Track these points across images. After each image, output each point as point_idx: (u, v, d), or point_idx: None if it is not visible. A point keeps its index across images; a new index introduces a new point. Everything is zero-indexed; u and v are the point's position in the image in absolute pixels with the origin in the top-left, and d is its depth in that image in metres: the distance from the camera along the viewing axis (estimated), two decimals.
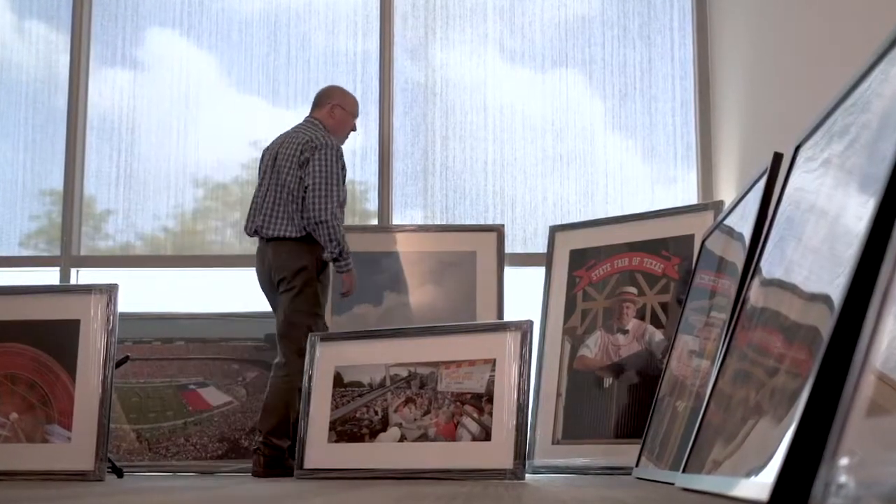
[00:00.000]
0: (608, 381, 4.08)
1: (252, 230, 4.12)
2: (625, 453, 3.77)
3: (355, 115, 4.29)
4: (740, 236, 2.69)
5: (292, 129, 4.18)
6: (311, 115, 4.25)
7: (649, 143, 5.16)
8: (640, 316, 4.08)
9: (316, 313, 3.95)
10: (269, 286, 4.08)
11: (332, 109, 4.19)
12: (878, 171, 1.34)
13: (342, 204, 4.04)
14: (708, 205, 4.18)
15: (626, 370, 4.05)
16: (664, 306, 4.03)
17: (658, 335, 4.00)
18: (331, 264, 4.00)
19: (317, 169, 3.94)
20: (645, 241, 4.16)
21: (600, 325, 4.17)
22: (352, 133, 4.29)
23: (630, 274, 4.16)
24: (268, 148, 4.22)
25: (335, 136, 4.14)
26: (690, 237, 4.05)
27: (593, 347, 4.16)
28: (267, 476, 3.74)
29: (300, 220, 3.97)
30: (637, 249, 4.18)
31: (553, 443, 4.10)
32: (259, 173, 4.23)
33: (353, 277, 4.04)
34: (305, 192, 3.95)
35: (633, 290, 4.12)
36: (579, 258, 4.33)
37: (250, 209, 4.18)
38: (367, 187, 5.27)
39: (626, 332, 4.09)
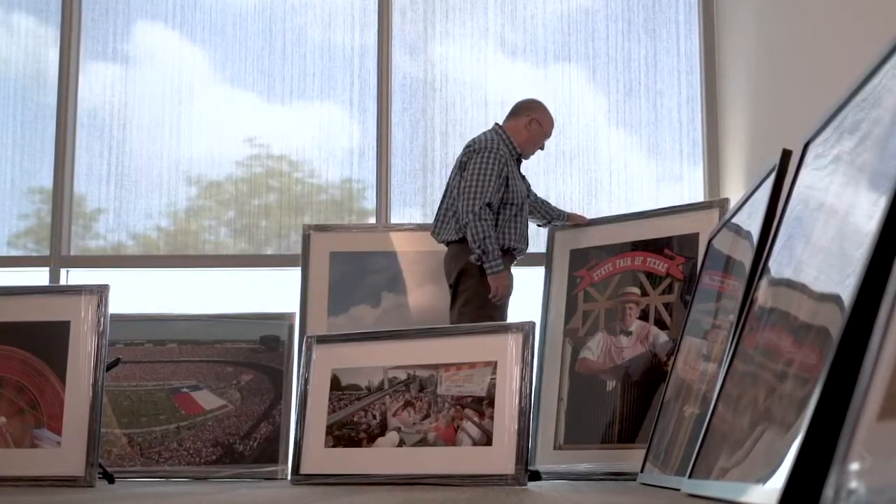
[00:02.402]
0: (611, 385, 4.08)
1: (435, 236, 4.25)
2: (629, 458, 3.77)
3: (549, 134, 4.33)
4: (748, 235, 2.69)
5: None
6: (502, 123, 4.28)
7: (654, 139, 5.16)
8: (644, 317, 4.07)
9: (484, 315, 3.92)
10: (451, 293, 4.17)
11: (530, 123, 4.23)
12: (889, 168, 1.34)
13: (519, 206, 4.09)
14: (713, 202, 4.18)
15: (629, 373, 4.04)
16: (668, 307, 4.02)
17: (662, 337, 4.00)
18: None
19: (469, 171, 4.04)
20: (648, 240, 4.15)
21: (602, 326, 4.16)
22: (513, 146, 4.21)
23: (633, 274, 4.15)
24: None
25: (522, 149, 4.21)
26: (695, 236, 4.04)
27: (595, 350, 4.15)
28: None
29: (449, 228, 4.12)
30: (640, 249, 4.17)
31: (555, 448, 4.10)
32: None
33: (501, 280, 3.96)
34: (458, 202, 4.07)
35: (636, 290, 4.12)
36: (580, 258, 4.32)
37: None
38: (365, 185, 5.27)
39: (629, 333, 4.08)
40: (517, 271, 4.24)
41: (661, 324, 4.03)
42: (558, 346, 4.22)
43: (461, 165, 4.14)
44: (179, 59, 5.43)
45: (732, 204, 3.47)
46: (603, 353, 4.12)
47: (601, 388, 4.10)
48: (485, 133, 4.22)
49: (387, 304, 4.58)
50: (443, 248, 4.26)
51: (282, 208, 5.31)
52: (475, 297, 3.99)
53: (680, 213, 4.17)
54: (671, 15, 5.21)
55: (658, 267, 4.09)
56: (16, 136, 5.40)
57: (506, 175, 4.09)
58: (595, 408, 4.09)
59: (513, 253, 4.13)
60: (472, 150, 4.10)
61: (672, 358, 3.91)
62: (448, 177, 4.29)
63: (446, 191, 4.26)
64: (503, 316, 4.05)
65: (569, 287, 4.31)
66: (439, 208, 4.25)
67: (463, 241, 4.07)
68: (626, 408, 4.01)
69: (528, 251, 4.62)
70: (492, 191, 4.01)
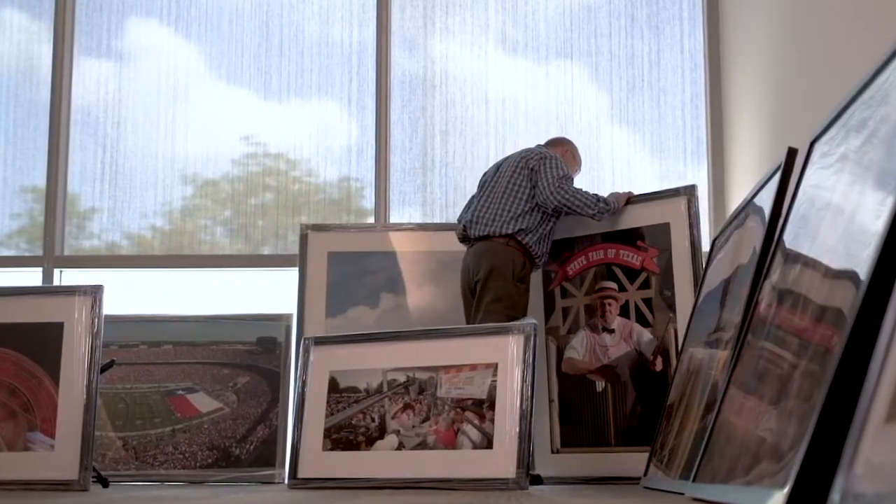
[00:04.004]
0: (601, 385, 4.07)
1: (461, 235, 4.21)
2: (631, 461, 3.77)
3: (578, 169, 4.43)
4: (752, 235, 2.70)
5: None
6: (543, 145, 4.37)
7: (658, 138, 5.16)
8: (624, 313, 4.05)
9: (510, 316, 3.89)
10: (469, 291, 4.10)
11: (566, 153, 4.35)
12: None
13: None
14: (680, 190, 4.11)
15: (617, 372, 4.04)
16: (648, 302, 4.01)
17: (646, 335, 3.99)
18: None
19: (546, 168, 4.06)
20: (618, 231, 4.13)
21: (584, 324, 4.14)
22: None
23: (607, 267, 4.13)
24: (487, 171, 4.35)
25: None
26: (666, 226, 4.03)
27: (580, 349, 4.13)
28: None
29: (501, 221, 4.05)
30: (611, 240, 4.15)
31: (553, 452, 4.09)
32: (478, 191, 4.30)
33: (619, 199, 4.13)
34: (540, 194, 4.05)
35: (614, 284, 4.10)
36: (551, 251, 4.27)
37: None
38: (364, 184, 5.28)
39: (612, 331, 4.07)
40: None
41: (643, 321, 4.01)
42: (541, 345, 4.19)
43: (521, 167, 4.12)
44: (174, 56, 5.43)
45: (737, 203, 3.47)
46: (588, 351, 4.11)
47: (591, 388, 4.09)
48: (537, 147, 4.25)
49: (386, 304, 4.58)
50: (442, 248, 4.26)
51: (279, 208, 5.31)
52: (505, 296, 3.97)
53: (647, 201, 4.14)
54: (675, 11, 5.22)
55: (632, 260, 4.08)
56: (8, 134, 5.40)
57: None
58: (588, 410, 4.08)
59: (536, 262, 4.11)
60: (541, 157, 4.12)
61: (658, 356, 3.92)
62: (484, 177, 4.25)
63: (482, 190, 4.20)
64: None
65: (544, 283, 4.28)
66: (474, 207, 4.17)
67: (501, 238, 4.03)
68: (620, 409, 4.01)
69: None
70: (566, 172, 4.10)
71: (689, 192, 4.05)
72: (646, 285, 4.02)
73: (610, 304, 4.09)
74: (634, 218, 4.11)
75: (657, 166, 5.14)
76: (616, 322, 4.06)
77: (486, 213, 4.10)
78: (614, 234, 4.13)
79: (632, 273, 4.07)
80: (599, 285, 4.12)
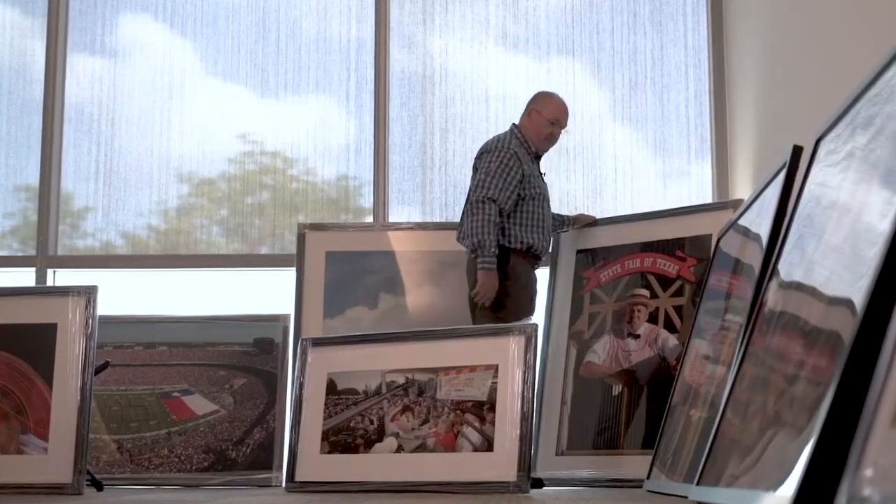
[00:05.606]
0: (617, 389, 4.08)
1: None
2: (635, 465, 3.77)
3: (552, 120, 4.19)
4: (757, 235, 2.69)
5: None
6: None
7: (661, 135, 5.16)
8: (653, 320, 4.07)
9: (498, 318, 3.91)
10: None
11: (530, 113, 4.23)
12: None
13: (538, 201, 4.09)
14: (727, 203, 4.19)
15: (637, 377, 4.05)
16: (678, 310, 4.03)
17: (672, 340, 4.00)
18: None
19: (479, 171, 4.08)
20: (659, 241, 4.16)
21: (609, 329, 4.17)
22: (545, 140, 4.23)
23: (642, 275, 4.16)
24: None
25: (532, 141, 4.17)
26: (707, 237, 4.04)
27: (602, 353, 4.15)
28: None
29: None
30: (651, 250, 4.18)
31: (557, 454, 4.10)
32: None
33: (489, 278, 3.93)
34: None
35: (646, 292, 4.12)
36: (588, 258, 4.33)
37: None
38: (362, 182, 5.28)
39: (637, 336, 4.09)
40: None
41: (670, 327, 4.03)
42: (562, 348, 4.23)
43: (475, 168, 4.17)
44: (170, 53, 5.43)
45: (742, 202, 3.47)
46: (609, 356, 4.13)
47: (607, 392, 4.10)
48: (498, 134, 4.25)
49: (384, 305, 4.58)
50: (441, 248, 4.28)
51: (276, 207, 5.31)
52: (497, 302, 3.99)
53: (692, 213, 4.18)
54: (678, 7, 5.22)
55: (668, 269, 4.10)
56: (0, 132, 5.40)
57: (519, 171, 4.05)
58: (600, 412, 4.09)
59: (533, 252, 4.10)
60: (483, 151, 4.14)
61: (680, 361, 3.93)
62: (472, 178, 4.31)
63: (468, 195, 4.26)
64: (518, 320, 4.05)
65: (574, 288, 4.32)
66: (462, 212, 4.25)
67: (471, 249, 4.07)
68: (633, 413, 4.01)
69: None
70: (497, 187, 3.98)
71: (735, 205, 4.07)
72: (679, 293, 4.05)
73: (639, 311, 4.11)
74: (677, 228, 4.14)
75: (660, 164, 5.14)
76: (642, 328, 4.08)
77: (463, 228, 4.12)
78: (655, 244, 4.16)
79: (666, 281, 4.09)
80: (631, 292, 4.15)
